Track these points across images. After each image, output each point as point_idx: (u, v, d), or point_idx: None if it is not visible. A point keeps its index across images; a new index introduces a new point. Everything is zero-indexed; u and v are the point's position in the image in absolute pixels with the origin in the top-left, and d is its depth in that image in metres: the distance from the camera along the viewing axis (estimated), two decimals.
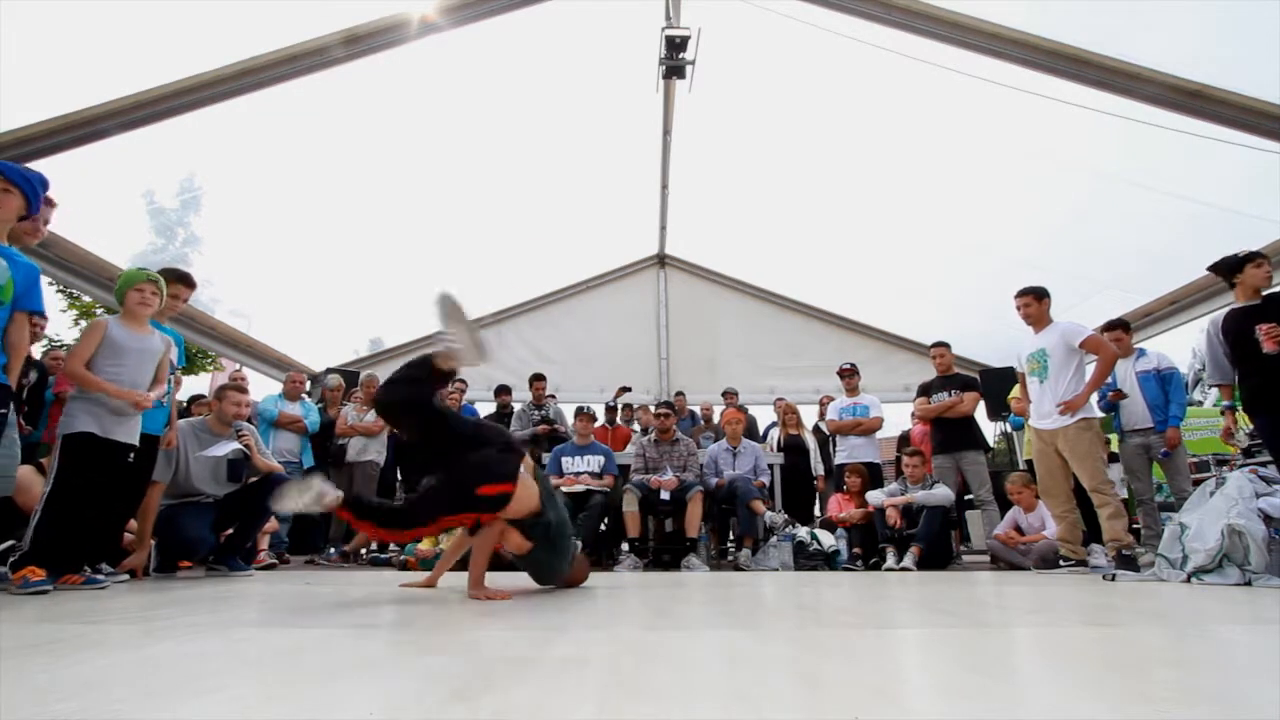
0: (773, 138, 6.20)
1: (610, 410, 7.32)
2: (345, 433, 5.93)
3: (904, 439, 6.79)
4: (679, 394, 7.74)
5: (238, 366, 7.57)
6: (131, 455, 3.18)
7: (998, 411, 7.54)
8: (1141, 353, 5.09)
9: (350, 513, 2.48)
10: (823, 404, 7.24)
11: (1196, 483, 4.46)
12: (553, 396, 7.09)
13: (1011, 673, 1.30)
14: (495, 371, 8.19)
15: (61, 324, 11.38)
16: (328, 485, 2.39)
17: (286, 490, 2.35)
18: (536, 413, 6.50)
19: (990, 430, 7.80)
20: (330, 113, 5.11)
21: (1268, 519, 3.21)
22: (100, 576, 3.03)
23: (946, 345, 6.00)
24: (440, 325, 2.73)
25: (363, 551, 5.72)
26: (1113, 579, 3.57)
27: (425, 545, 4.81)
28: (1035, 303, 4.38)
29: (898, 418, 8.05)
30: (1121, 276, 6.14)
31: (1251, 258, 3.70)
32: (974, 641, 1.62)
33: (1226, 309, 3.82)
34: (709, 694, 1.04)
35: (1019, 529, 5.06)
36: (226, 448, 3.98)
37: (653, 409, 6.16)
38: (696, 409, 7.79)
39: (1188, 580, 3.32)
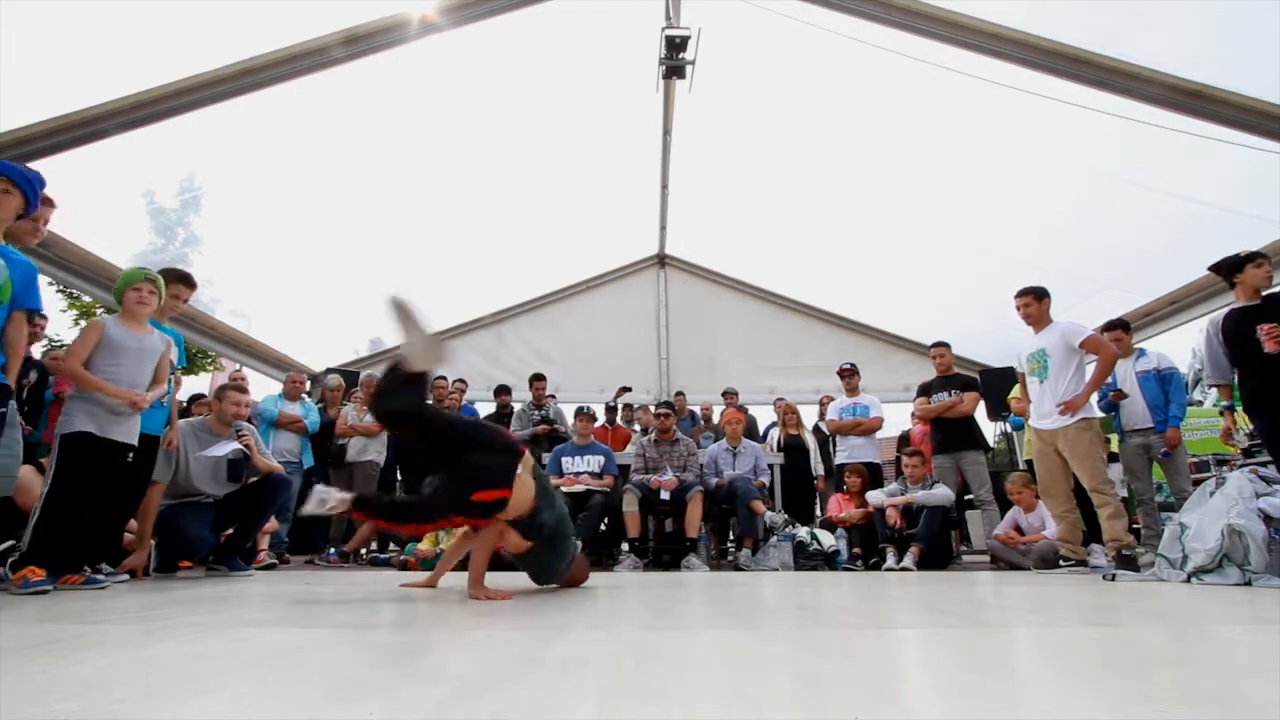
0: (773, 138, 6.20)
1: (610, 410, 7.32)
2: (345, 433, 5.93)
3: (904, 439, 6.79)
4: (679, 394, 7.73)
5: (238, 366, 7.56)
6: (130, 455, 3.18)
7: (998, 411, 7.54)
8: (1141, 353, 5.09)
9: (360, 511, 2.53)
10: (823, 404, 7.24)
11: (1196, 483, 4.46)
12: (553, 396, 7.09)
13: (1011, 673, 1.30)
14: (495, 371, 8.22)
15: (61, 324, 11.39)
16: (334, 492, 2.46)
17: (307, 501, 2.43)
18: (536, 413, 6.49)
19: (990, 430, 7.80)
20: (330, 113, 5.11)
21: (1268, 519, 3.21)
22: (100, 576, 3.02)
23: (946, 345, 6.00)
24: (395, 329, 2.77)
25: (362, 551, 5.72)
26: (1113, 579, 3.57)
27: (425, 545, 4.81)
28: (1035, 303, 4.38)
29: (898, 418, 8.06)
30: (1121, 276, 6.14)
31: (1252, 258, 3.70)
32: (974, 641, 1.62)
33: (1226, 309, 3.82)
34: (709, 694, 1.04)
35: (1019, 529, 5.06)
36: (226, 448, 3.98)
37: (653, 409, 6.16)
38: (696, 409, 7.78)
39: (1188, 580, 3.32)
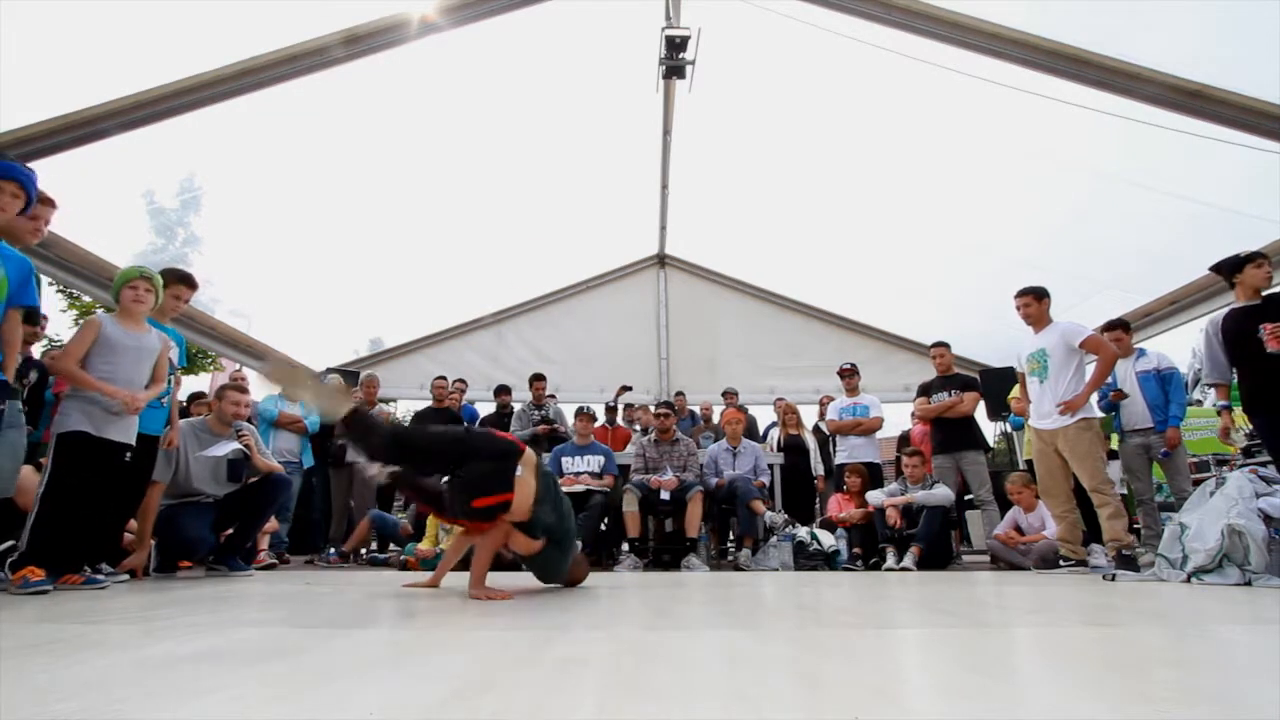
0: (773, 138, 6.20)
1: (610, 410, 7.32)
2: None
3: (904, 439, 6.80)
4: (679, 394, 7.73)
5: (238, 366, 7.57)
6: (127, 455, 3.18)
7: (998, 411, 7.54)
8: (1141, 353, 5.09)
9: (399, 486, 2.73)
10: (823, 404, 7.24)
11: (1196, 483, 4.46)
12: (553, 396, 7.10)
13: (1011, 673, 1.30)
14: (495, 371, 8.22)
15: (61, 324, 11.40)
16: (377, 465, 2.72)
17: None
18: (536, 413, 6.49)
19: (990, 430, 7.80)
20: (330, 113, 5.11)
21: (1268, 519, 3.21)
22: (100, 576, 3.02)
23: (946, 345, 6.00)
24: (293, 398, 2.91)
25: (362, 551, 5.72)
26: (1113, 579, 3.57)
27: (425, 545, 4.82)
28: (1035, 303, 4.38)
29: (898, 418, 8.06)
30: (1121, 276, 6.14)
31: (1252, 258, 3.70)
32: (974, 641, 1.62)
33: (1226, 309, 3.82)
34: (709, 694, 1.04)
35: (1019, 529, 5.06)
36: (226, 448, 3.98)
37: (653, 409, 6.16)
38: (696, 409, 7.78)
39: (1188, 580, 3.32)
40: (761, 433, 7.16)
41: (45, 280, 4.14)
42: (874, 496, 5.21)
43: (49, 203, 3.11)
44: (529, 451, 2.73)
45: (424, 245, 6.97)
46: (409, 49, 4.69)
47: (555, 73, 5.49)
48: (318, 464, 5.90)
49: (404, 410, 14.09)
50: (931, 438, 5.84)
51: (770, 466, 5.71)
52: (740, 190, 7.13)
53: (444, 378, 6.81)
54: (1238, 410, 3.93)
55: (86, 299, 10.00)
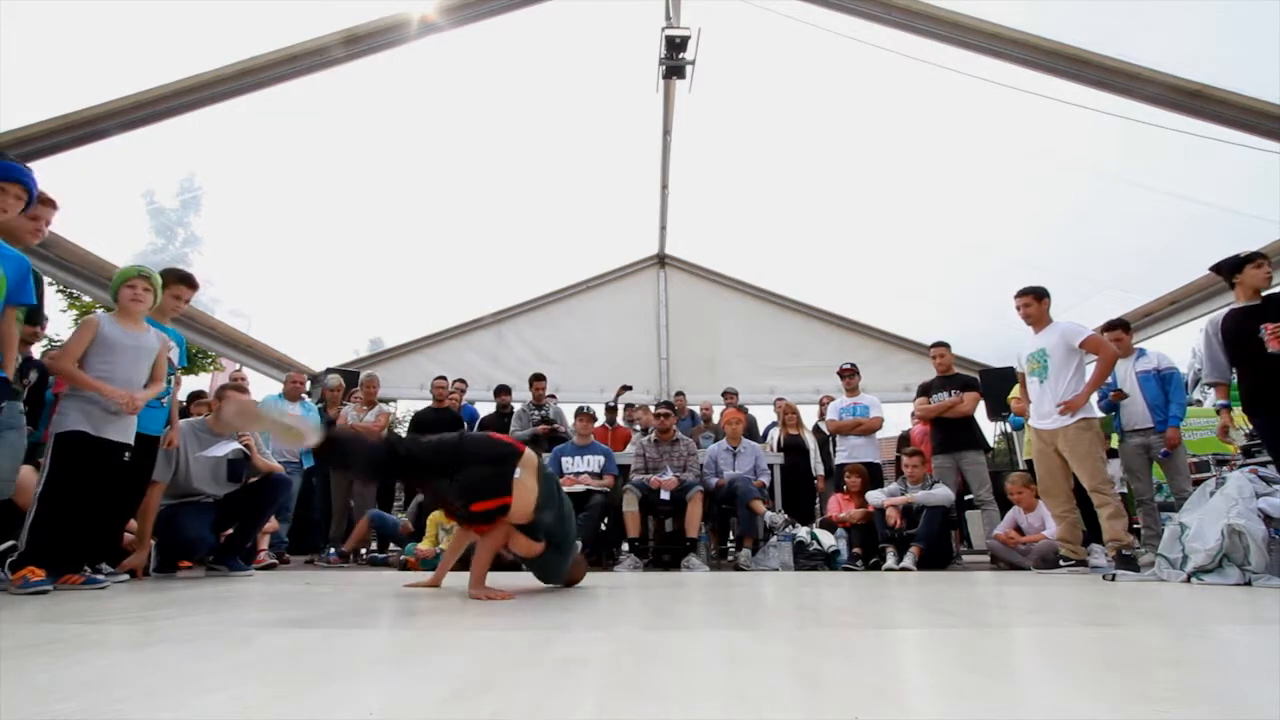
0: (773, 138, 6.20)
1: (610, 410, 7.32)
2: None
3: (904, 439, 6.79)
4: (679, 394, 7.74)
5: (238, 366, 7.57)
6: (126, 454, 3.17)
7: (998, 411, 7.54)
8: (1141, 353, 5.09)
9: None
10: (823, 404, 7.24)
11: (1196, 483, 4.46)
12: (553, 396, 7.10)
13: (1011, 673, 1.30)
14: (495, 371, 8.23)
15: (62, 324, 11.40)
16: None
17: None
18: (536, 413, 6.49)
19: (990, 430, 7.80)
20: (330, 113, 5.11)
21: (1268, 519, 3.21)
22: (100, 576, 3.02)
23: (946, 345, 6.00)
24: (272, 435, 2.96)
25: (362, 551, 5.72)
26: (1113, 579, 3.57)
27: (425, 545, 4.82)
28: (1035, 303, 4.38)
29: (898, 418, 8.07)
30: (1121, 276, 6.14)
31: (1252, 258, 3.70)
32: (974, 641, 1.62)
33: (1226, 309, 3.82)
34: (709, 694, 1.04)
35: (1019, 529, 5.06)
36: (226, 448, 3.98)
37: (653, 409, 6.16)
38: (696, 409, 7.78)
39: (1188, 580, 3.32)
40: (761, 433, 7.15)
41: (46, 280, 4.13)
42: (874, 496, 5.21)
43: (50, 203, 3.10)
44: (529, 453, 2.71)
45: (424, 245, 6.97)
46: (409, 49, 4.69)
47: (555, 73, 5.49)
48: (318, 464, 5.90)
49: (404, 410, 14.09)
50: (931, 438, 5.84)
51: (770, 466, 5.71)
52: (740, 190, 7.13)
53: (444, 378, 6.81)
54: (1237, 410, 3.93)
55: (86, 299, 9.99)
